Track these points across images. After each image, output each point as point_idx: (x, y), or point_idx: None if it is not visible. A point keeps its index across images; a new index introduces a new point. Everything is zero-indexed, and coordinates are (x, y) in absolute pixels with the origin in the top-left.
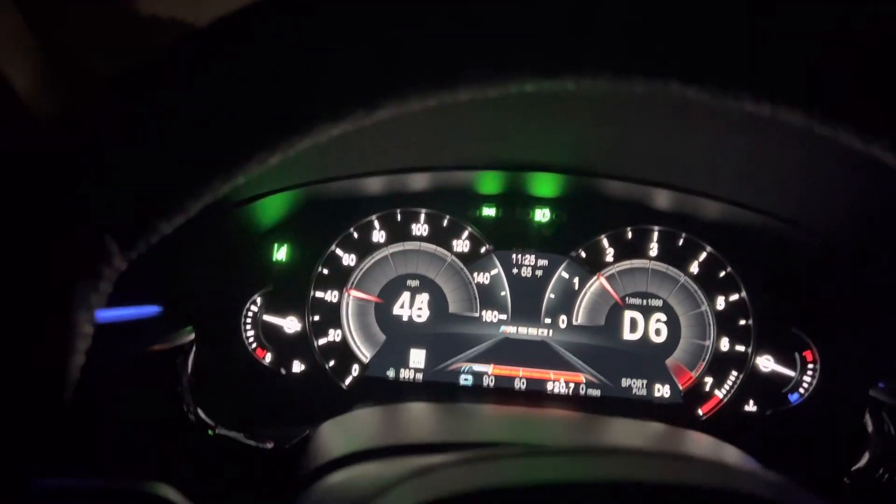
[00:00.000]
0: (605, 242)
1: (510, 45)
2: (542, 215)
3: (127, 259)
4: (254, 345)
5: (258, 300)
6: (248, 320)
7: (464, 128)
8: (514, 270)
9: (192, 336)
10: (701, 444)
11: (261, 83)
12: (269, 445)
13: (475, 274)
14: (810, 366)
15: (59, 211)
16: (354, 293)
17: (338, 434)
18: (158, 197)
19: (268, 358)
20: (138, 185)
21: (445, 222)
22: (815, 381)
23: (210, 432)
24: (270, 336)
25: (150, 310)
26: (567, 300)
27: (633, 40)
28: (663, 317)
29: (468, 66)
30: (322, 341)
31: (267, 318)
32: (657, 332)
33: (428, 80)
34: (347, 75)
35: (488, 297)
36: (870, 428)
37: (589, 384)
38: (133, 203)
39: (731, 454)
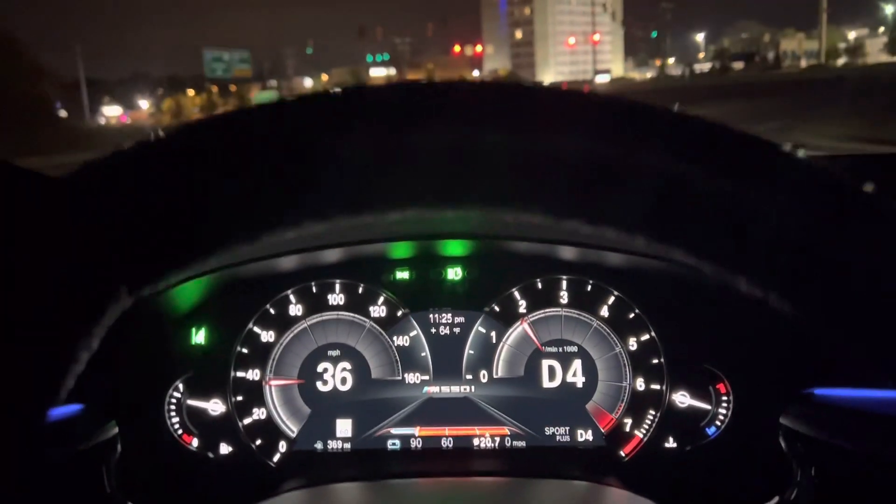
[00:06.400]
0: (518, 294)
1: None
2: (454, 273)
3: (134, 298)
4: (179, 431)
5: (180, 386)
6: (172, 407)
7: None
8: (433, 330)
9: (116, 430)
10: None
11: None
12: None
13: (395, 337)
14: (724, 398)
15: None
16: (275, 382)
17: None
18: (171, 250)
19: (195, 443)
20: (157, 240)
21: (360, 290)
22: (730, 413)
23: None
24: (195, 420)
25: (72, 408)
26: (486, 354)
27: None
28: (580, 362)
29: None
30: (247, 421)
31: (191, 402)
32: (575, 376)
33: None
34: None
35: (409, 359)
36: (786, 455)
37: (514, 436)
38: (147, 254)
39: None
